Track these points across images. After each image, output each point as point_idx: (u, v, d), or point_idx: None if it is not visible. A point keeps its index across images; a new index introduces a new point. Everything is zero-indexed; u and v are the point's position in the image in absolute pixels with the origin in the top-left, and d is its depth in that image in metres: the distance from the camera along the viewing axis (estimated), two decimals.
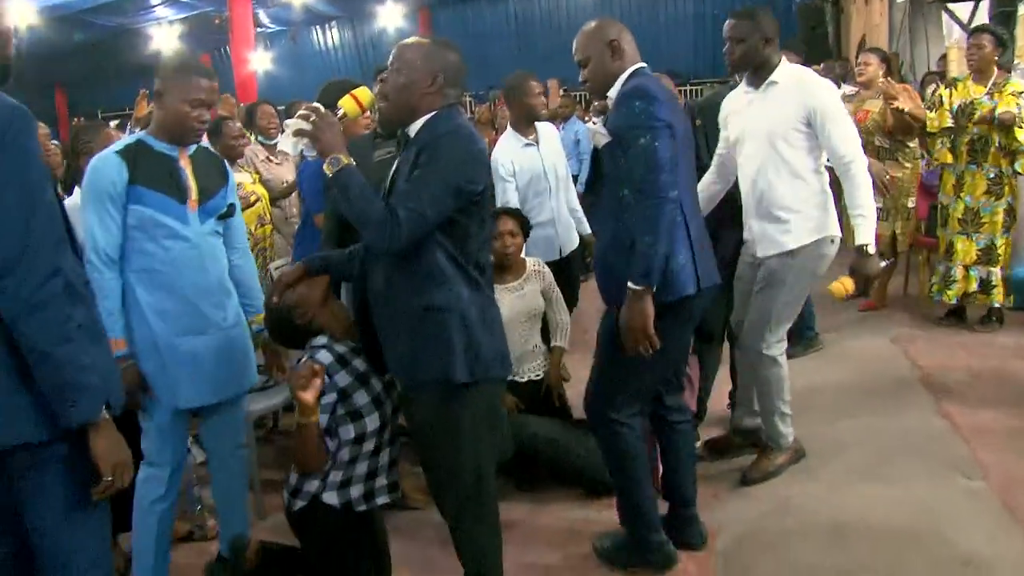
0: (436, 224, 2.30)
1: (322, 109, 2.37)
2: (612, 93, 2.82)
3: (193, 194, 2.78)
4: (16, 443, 1.84)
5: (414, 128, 2.40)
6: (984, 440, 3.58)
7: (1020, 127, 4.65)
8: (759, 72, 3.36)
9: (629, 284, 2.64)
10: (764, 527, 3.19)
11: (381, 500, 2.66)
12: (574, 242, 4.46)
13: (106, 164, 2.65)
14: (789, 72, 3.33)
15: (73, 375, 1.79)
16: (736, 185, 3.57)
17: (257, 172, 4.96)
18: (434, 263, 2.35)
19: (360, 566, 2.68)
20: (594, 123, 2.80)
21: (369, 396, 2.56)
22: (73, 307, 1.79)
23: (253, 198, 4.65)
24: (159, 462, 2.83)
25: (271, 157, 5.24)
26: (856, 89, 5.89)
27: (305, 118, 2.34)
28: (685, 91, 14.55)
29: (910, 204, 5.45)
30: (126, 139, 2.74)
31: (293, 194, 5.20)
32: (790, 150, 3.28)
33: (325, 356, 2.52)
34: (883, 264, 6.45)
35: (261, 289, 3.16)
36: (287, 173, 5.12)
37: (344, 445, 2.55)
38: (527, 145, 4.26)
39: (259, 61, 15.89)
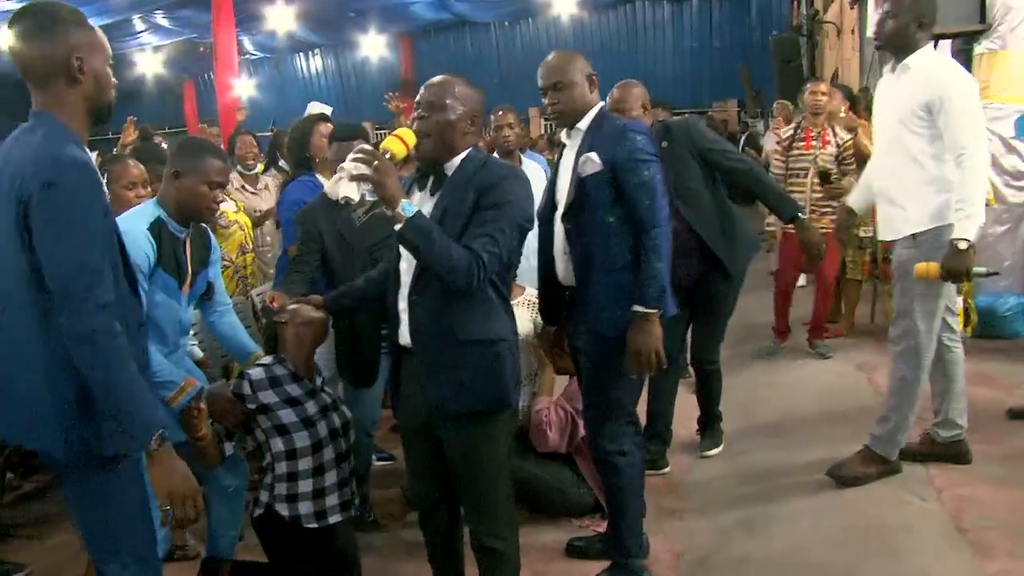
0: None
1: (376, 151, 2.33)
2: (583, 125, 2.94)
3: (188, 277, 2.87)
4: None
5: (451, 166, 2.49)
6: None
7: None
8: (900, 55, 3.33)
9: (638, 308, 2.77)
10: (727, 547, 3.30)
11: (334, 519, 2.77)
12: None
13: (139, 239, 2.65)
14: (925, 58, 3.30)
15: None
16: (695, 213, 3.71)
17: (235, 201, 5.08)
18: (486, 296, 2.46)
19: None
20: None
21: (298, 416, 2.70)
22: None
23: (235, 228, 4.76)
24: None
25: (247, 186, 5.36)
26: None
27: (366, 162, 2.29)
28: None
29: (862, 233, 5.63)
30: (148, 211, 2.79)
31: (268, 222, 5.33)
32: (911, 136, 3.28)
33: (257, 373, 2.70)
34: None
35: (252, 338, 3.24)
36: (262, 203, 5.25)
37: (277, 459, 2.70)
38: None
39: (243, 88, 15.98)
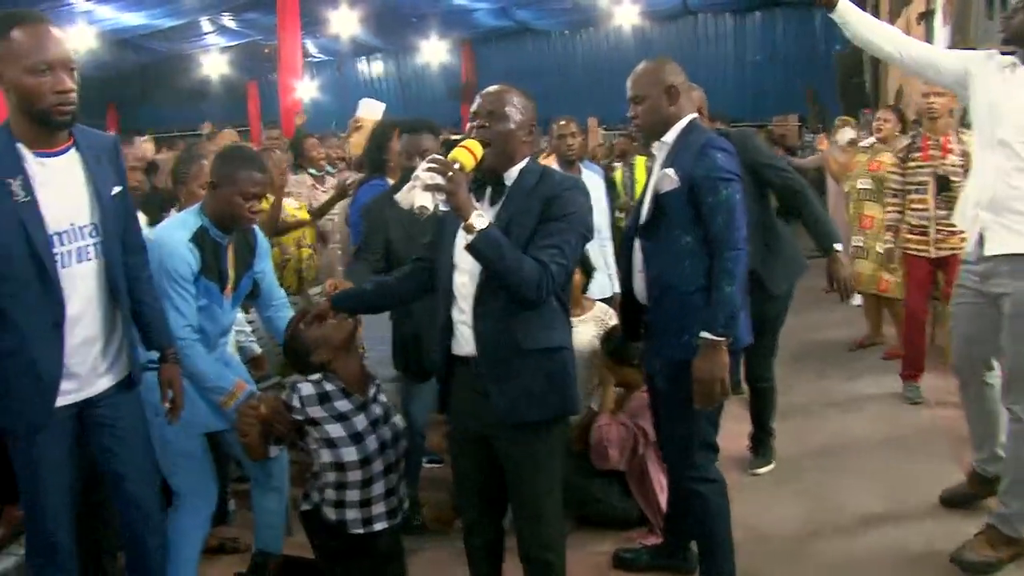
0: None
1: (448, 161, 2.30)
2: (668, 139, 2.81)
3: (230, 282, 2.95)
4: None
5: (510, 176, 2.48)
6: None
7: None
8: None
9: (705, 335, 2.63)
10: (774, 570, 3.27)
11: (379, 526, 2.77)
12: (601, 291, 4.41)
13: (180, 249, 2.77)
14: None
15: None
16: None
17: (305, 200, 5.18)
18: (549, 305, 2.46)
19: None
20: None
21: (346, 432, 2.68)
22: None
23: (292, 220, 4.85)
24: (198, 489, 2.97)
25: (317, 185, 5.47)
26: (873, 141, 6.21)
27: (440, 172, 2.26)
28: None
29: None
30: (190, 221, 2.88)
31: (338, 219, 5.41)
32: None
33: (307, 388, 2.67)
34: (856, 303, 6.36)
35: None
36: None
37: (326, 469, 2.70)
38: None
39: (305, 90, 16.21)
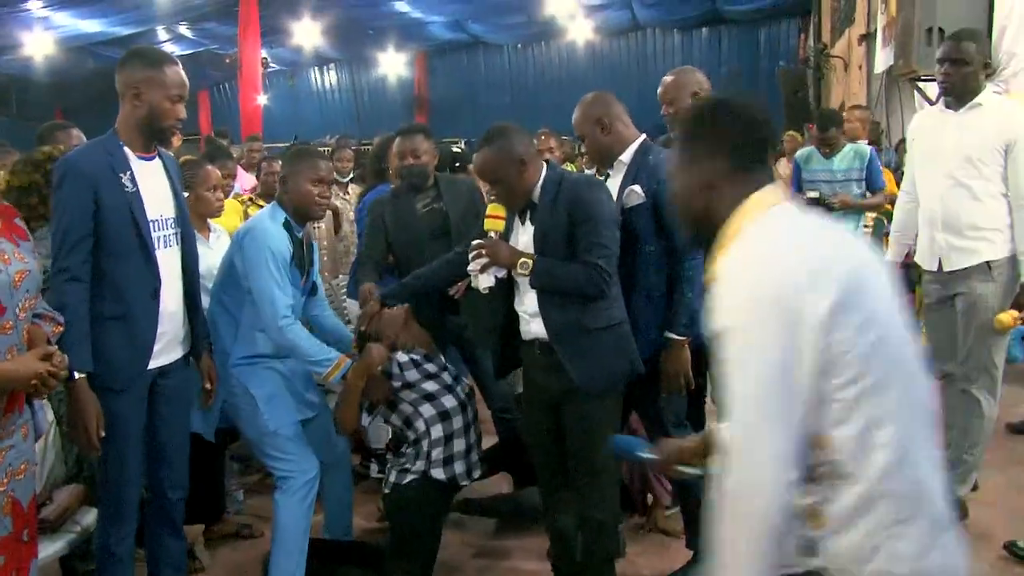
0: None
1: (482, 240, 2.78)
2: (625, 158, 3.05)
3: (306, 274, 3.21)
4: None
5: (536, 194, 2.81)
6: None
7: None
8: (965, 96, 3.40)
9: (669, 335, 2.96)
10: None
11: (476, 475, 3.16)
12: None
13: (279, 235, 3.03)
14: (995, 97, 3.42)
15: None
16: None
17: None
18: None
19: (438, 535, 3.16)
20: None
21: (439, 385, 3.13)
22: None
23: None
24: (307, 468, 3.12)
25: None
26: None
27: (479, 253, 2.75)
28: None
29: None
30: (276, 214, 3.11)
31: (324, 226, 5.69)
32: (987, 172, 3.34)
33: (402, 356, 3.13)
34: None
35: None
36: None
37: (432, 423, 3.06)
38: None
39: (259, 99, 16.28)
